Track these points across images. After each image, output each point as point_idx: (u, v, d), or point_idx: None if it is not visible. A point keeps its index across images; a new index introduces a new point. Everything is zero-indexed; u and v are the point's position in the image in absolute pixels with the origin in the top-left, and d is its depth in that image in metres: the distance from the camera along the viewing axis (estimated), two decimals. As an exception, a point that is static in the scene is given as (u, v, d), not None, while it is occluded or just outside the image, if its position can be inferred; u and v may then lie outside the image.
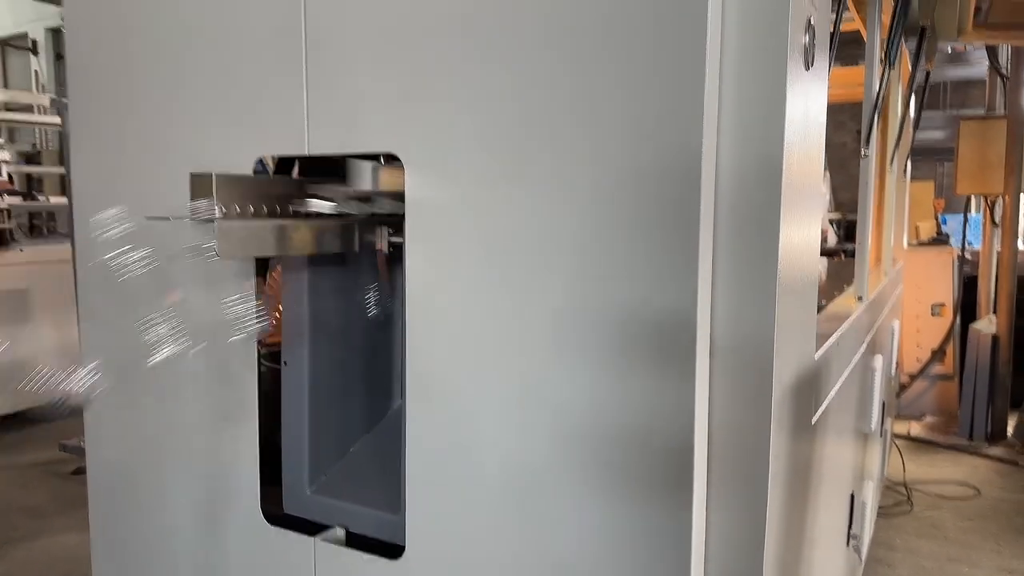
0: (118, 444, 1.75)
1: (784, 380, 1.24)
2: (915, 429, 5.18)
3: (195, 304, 1.56)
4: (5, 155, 6.32)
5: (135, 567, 1.75)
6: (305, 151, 1.40)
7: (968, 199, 5.67)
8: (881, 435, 3.32)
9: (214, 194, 1.21)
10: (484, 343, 1.29)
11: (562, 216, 1.21)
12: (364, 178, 1.45)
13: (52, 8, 12.29)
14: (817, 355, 1.53)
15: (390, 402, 1.81)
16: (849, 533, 2.34)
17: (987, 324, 5.10)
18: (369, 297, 1.73)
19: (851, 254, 3.52)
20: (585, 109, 1.17)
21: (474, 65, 1.24)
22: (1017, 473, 4.49)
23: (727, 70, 1.14)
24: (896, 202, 3.65)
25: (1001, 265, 5.03)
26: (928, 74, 4.09)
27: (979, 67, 8.19)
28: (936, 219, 6.42)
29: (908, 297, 5.41)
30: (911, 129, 4.01)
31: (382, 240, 1.55)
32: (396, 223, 1.56)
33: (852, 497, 2.37)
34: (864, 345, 2.40)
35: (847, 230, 6.16)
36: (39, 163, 10.22)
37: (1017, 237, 4.99)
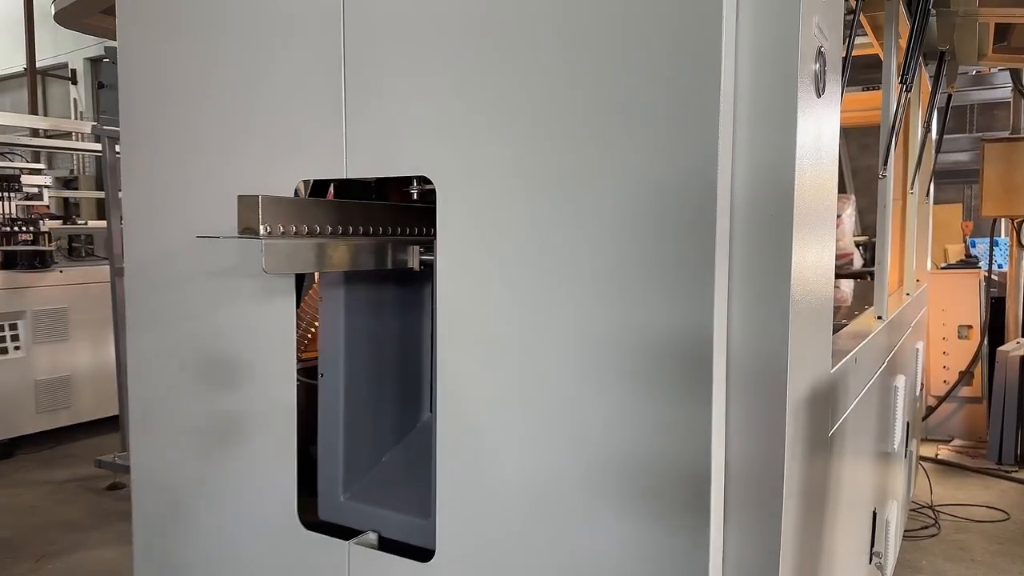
0: (161, 455, 1.84)
1: (798, 394, 1.29)
2: (943, 452, 5.13)
3: (237, 319, 1.65)
4: (47, 180, 6.54)
5: (176, 572, 1.83)
6: (344, 174, 1.49)
7: (995, 221, 5.65)
8: (906, 456, 3.32)
9: (260, 214, 1.29)
10: (508, 360, 1.35)
11: (584, 239, 1.27)
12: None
13: (91, 38, 12.69)
14: (833, 370, 1.58)
15: (419, 415, 1.88)
16: (872, 551, 2.35)
17: (1015, 346, 5.06)
18: (400, 314, 1.81)
19: (875, 276, 3.54)
20: (608, 138, 1.24)
21: (503, 95, 1.33)
22: (1047, 497, 4.43)
23: (741, 99, 1.21)
24: (919, 224, 3.67)
25: (1028, 287, 5.01)
26: (950, 97, 4.14)
27: (1005, 89, 8.18)
28: (965, 241, 6.40)
29: (934, 319, 5.40)
30: (933, 152, 4.04)
31: (414, 259, 1.64)
32: (427, 242, 1.65)
33: (874, 515, 2.39)
34: (884, 364, 2.43)
35: (873, 253, 6.15)
36: (76, 188, 10.54)
37: (1044, 259, 4.97)
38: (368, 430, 1.72)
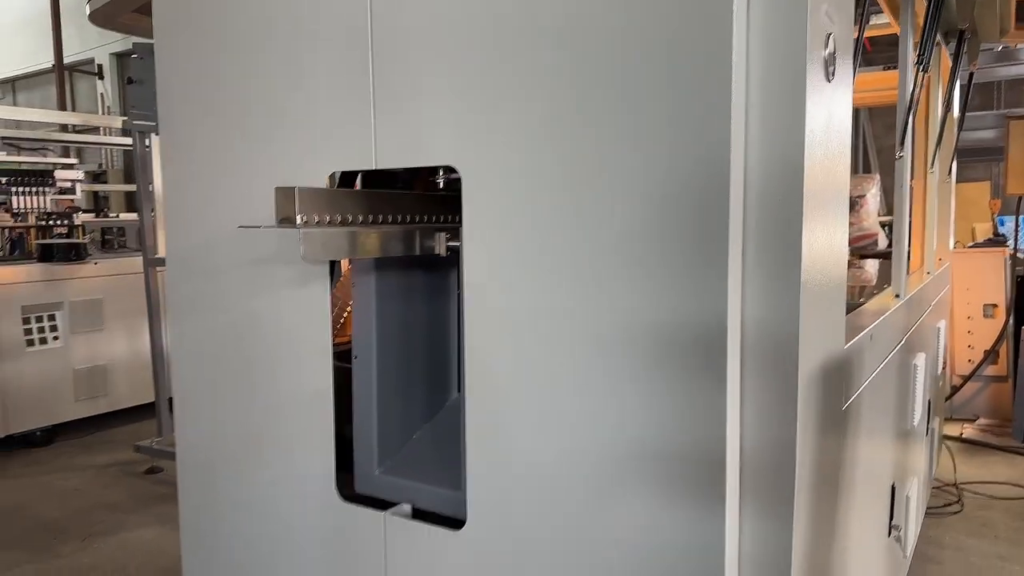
0: (204, 436, 1.94)
1: (810, 369, 1.34)
2: (967, 431, 5.14)
3: (275, 305, 1.74)
4: (79, 174, 6.70)
5: (221, 546, 1.93)
6: (373, 165, 1.57)
7: (1020, 199, 5.60)
8: (927, 433, 3.35)
9: (296, 205, 1.37)
10: (527, 343, 1.42)
11: (601, 223, 1.33)
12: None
13: (117, 34, 12.87)
14: (847, 346, 1.63)
15: (447, 395, 1.97)
16: (891, 524, 2.40)
17: (1041, 325, 5.04)
18: (427, 299, 1.89)
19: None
20: (624, 125, 1.30)
21: (523, 86, 1.39)
22: (1073, 475, 4.43)
23: (752, 85, 1.26)
24: (940, 203, 3.67)
25: (1054, 265, 4.97)
26: (972, 74, 4.11)
27: (1032, 65, 8.05)
28: (993, 220, 6.34)
29: (959, 298, 5.38)
30: (955, 130, 4.03)
31: (440, 245, 1.71)
32: (453, 229, 1.72)
33: (893, 489, 2.43)
34: (903, 342, 2.47)
35: (896, 233, 6.10)
36: (105, 182, 10.76)
37: (1070, 236, 4.93)
38: (399, 409, 1.81)
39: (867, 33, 2.43)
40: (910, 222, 2.97)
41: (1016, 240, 5.46)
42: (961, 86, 4.08)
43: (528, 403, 1.43)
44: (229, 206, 1.79)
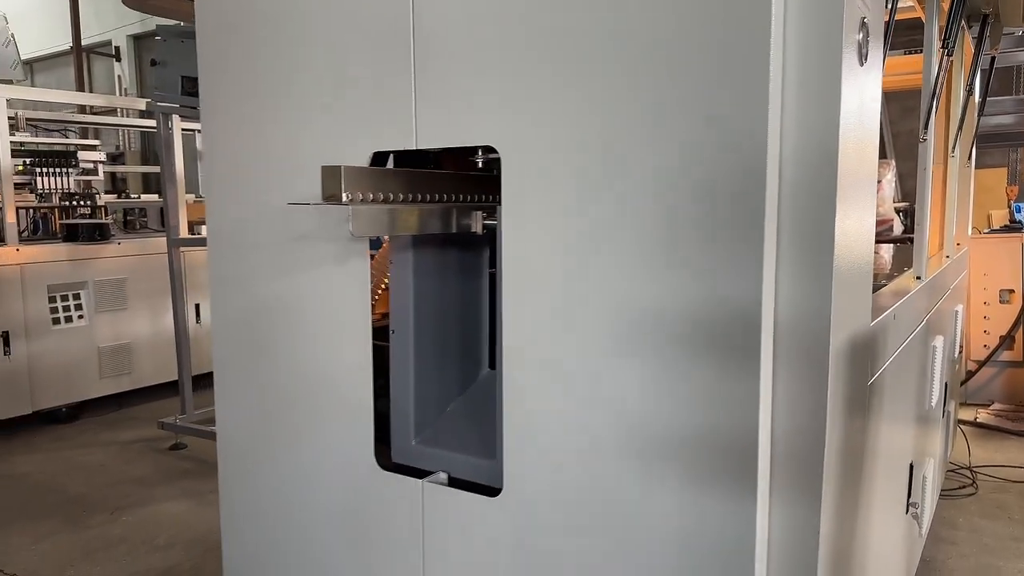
0: (245, 409, 2.00)
1: (839, 346, 1.36)
2: (982, 416, 5.16)
3: (315, 282, 1.80)
4: (101, 156, 6.78)
5: (260, 513, 2.00)
6: (414, 145, 1.61)
7: (1038, 185, 5.59)
8: (943, 416, 3.39)
9: (343, 183, 1.42)
10: (565, 324, 1.46)
11: (635, 208, 1.37)
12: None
13: (133, 16, 12.93)
14: (873, 323, 1.67)
15: (479, 370, 2.02)
16: (908, 501, 2.45)
17: (1058, 310, 5.05)
18: (460, 277, 1.94)
19: (915, 241, 3.56)
20: (660, 107, 1.34)
21: (558, 70, 1.43)
22: (1088, 459, 4.46)
23: (789, 70, 1.29)
24: (959, 188, 3.69)
25: (1072, 251, 4.97)
26: (993, 59, 4.10)
27: (1054, 50, 7.95)
28: (1009, 206, 6.32)
29: (976, 284, 5.39)
30: (975, 115, 4.03)
31: (477, 223, 1.76)
32: (490, 208, 1.77)
33: (911, 468, 2.48)
34: (923, 324, 2.50)
35: (913, 219, 6.10)
36: (123, 163, 10.84)
37: (1088, 222, 4.92)
38: (434, 382, 1.86)
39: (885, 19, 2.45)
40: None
41: (1033, 226, 5.46)
42: (982, 71, 4.07)
43: (562, 381, 1.48)
44: (269, 184, 1.84)
